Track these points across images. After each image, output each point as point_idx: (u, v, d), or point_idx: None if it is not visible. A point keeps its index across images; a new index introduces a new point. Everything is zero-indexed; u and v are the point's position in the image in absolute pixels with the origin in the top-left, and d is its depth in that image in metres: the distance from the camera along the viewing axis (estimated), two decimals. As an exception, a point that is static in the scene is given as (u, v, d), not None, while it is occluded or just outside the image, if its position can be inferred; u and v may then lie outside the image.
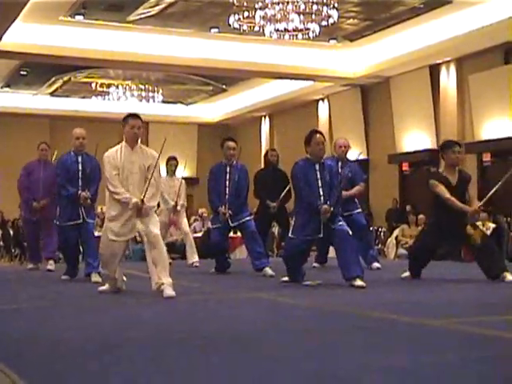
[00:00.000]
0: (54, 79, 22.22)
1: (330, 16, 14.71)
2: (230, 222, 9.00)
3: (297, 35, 15.47)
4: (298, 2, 14.42)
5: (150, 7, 16.19)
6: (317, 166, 7.43)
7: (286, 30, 15.05)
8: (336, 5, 14.60)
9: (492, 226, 13.35)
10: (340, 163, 9.24)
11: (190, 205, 18.36)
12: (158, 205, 9.19)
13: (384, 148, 19.99)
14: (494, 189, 7.79)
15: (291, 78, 20.66)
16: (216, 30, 17.62)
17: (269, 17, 14.69)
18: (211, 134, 25.93)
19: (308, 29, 15.10)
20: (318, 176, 7.39)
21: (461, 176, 7.83)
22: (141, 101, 22.97)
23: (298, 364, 3.49)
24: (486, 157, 17.23)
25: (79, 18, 16.55)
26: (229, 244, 10.49)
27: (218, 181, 9.08)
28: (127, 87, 22.66)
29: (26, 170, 10.40)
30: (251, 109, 24.66)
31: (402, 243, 15.24)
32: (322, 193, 7.34)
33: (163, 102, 24.07)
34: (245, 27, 15.39)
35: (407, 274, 8.08)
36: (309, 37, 15.48)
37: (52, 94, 24.08)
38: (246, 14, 14.91)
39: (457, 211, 7.56)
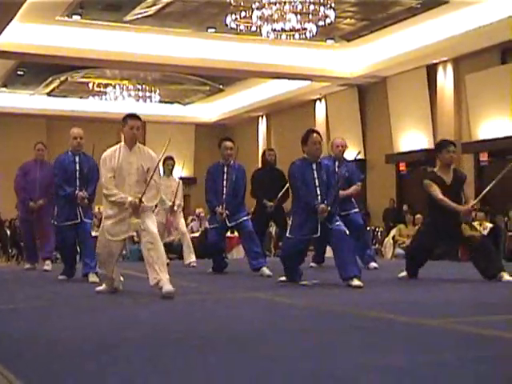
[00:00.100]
0: (50, 79, 22.21)
1: (326, 16, 14.72)
2: (227, 221, 9.01)
3: (294, 35, 15.47)
4: (294, 2, 14.43)
5: (147, 7, 16.19)
6: (314, 166, 7.44)
7: (283, 29, 15.06)
8: (333, 5, 14.61)
9: (489, 225, 13.36)
10: (337, 163, 9.25)
11: (188, 205, 18.41)
12: (156, 205, 9.19)
13: (381, 148, 20.01)
14: (487, 188, 7.81)
15: (288, 78, 20.67)
16: (213, 29, 17.63)
17: (266, 17, 14.70)
18: (208, 133, 25.94)
19: (305, 29, 15.11)
20: (315, 175, 7.40)
21: (456, 175, 7.84)
22: (138, 101, 22.98)
23: (295, 364, 3.49)
24: (483, 157, 17.24)
25: (76, 17, 16.55)
26: (226, 244, 10.49)
27: (216, 181, 9.08)
28: (124, 87, 22.66)
29: (22, 170, 10.40)
30: (248, 109, 24.67)
31: (399, 243, 15.25)
32: (319, 192, 7.34)
33: (160, 101, 24.08)
34: (242, 27, 15.40)
35: (404, 273, 8.09)
36: (306, 37, 15.50)
37: (49, 94, 24.07)
38: (243, 13, 14.91)
39: (450, 211, 7.58)
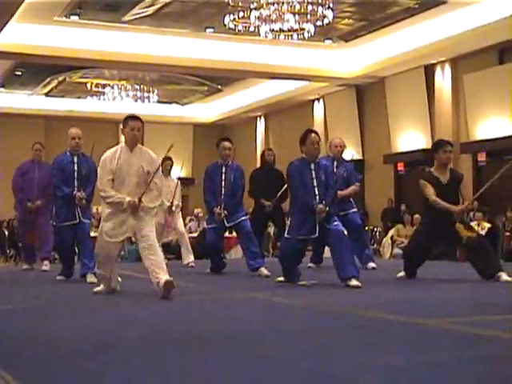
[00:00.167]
0: (49, 79, 22.21)
1: (325, 16, 14.73)
2: (225, 222, 9.01)
3: (292, 35, 15.48)
4: (293, 2, 14.43)
5: (146, 7, 16.18)
6: (312, 166, 7.44)
7: (281, 30, 15.06)
8: (331, 5, 14.62)
9: (487, 225, 13.37)
10: (335, 163, 9.26)
11: (186, 205, 18.37)
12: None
13: (379, 148, 20.02)
14: (482, 189, 7.83)
15: (286, 78, 20.67)
16: (211, 30, 17.63)
17: (264, 17, 14.70)
18: (206, 134, 25.93)
19: (303, 29, 15.11)
20: (314, 175, 7.40)
21: (452, 175, 7.85)
22: (136, 101, 22.98)
23: (294, 364, 3.49)
24: (481, 157, 17.26)
25: (74, 18, 16.54)
26: (224, 244, 10.49)
27: (214, 181, 9.09)
28: (122, 87, 22.66)
29: (19, 171, 10.39)
30: (246, 109, 24.67)
31: (398, 243, 15.27)
32: (317, 192, 7.34)
33: (158, 102, 24.08)
34: (240, 27, 15.40)
35: (402, 273, 8.09)
36: (304, 37, 15.51)
37: (47, 94, 24.07)
38: (241, 14, 14.91)
39: (445, 211, 7.59)
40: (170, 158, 11.12)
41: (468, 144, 17.21)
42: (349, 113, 21.15)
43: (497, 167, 16.53)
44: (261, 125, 25.87)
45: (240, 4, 14.76)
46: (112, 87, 22.71)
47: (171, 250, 13.88)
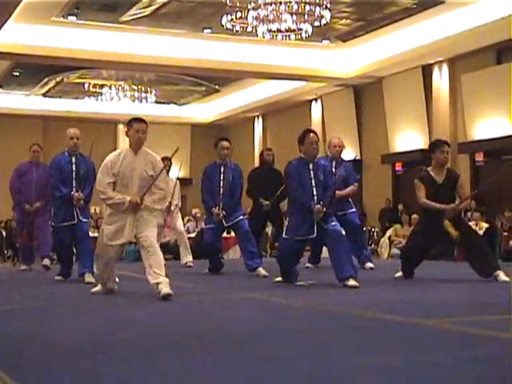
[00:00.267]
0: (46, 80, 22.18)
1: (322, 16, 14.72)
2: (224, 222, 9.01)
3: (289, 35, 15.47)
4: (290, 3, 14.43)
5: (143, 8, 16.17)
6: (310, 166, 7.44)
7: (278, 30, 15.06)
8: (329, 5, 14.61)
9: (485, 225, 13.38)
10: (334, 163, 9.27)
11: (184, 205, 18.36)
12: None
13: (377, 148, 20.03)
14: (475, 191, 7.83)
15: (284, 79, 20.67)
16: (209, 30, 17.62)
17: (261, 17, 14.70)
18: (204, 134, 25.93)
19: (301, 29, 15.10)
20: (312, 175, 7.40)
21: (448, 175, 7.86)
22: (134, 101, 22.97)
23: (291, 364, 3.50)
24: (479, 157, 17.27)
25: (72, 18, 16.52)
26: (222, 244, 10.49)
27: (212, 181, 9.08)
28: (120, 88, 22.65)
29: (17, 172, 10.38)
30: (244, 109, 24.67)
31: (395, 243, 15.27)
32: (315, 193, 7.34)
33: (156, 102, 24.07)
34: (237, 28, 15.39)
35: (400, 273, 8.10)
36: (301, 37, 15.49)
37: (45, 94, 24.04)
38: (238, 14, 14.90)
39: (437, 211, 7.61)
40: (168, 159, 11.11)
41: (466, 144, 17.22)
42: (346, 113, 21.16)
43: (494, 167, 16.65)
44: (258, 125, 25.87)
45: (237, 4, 14.75)
46: (110, 87, 22.69)
47: (169, 250, 13.88)
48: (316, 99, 22.63)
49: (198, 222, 16.72)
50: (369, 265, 9.53)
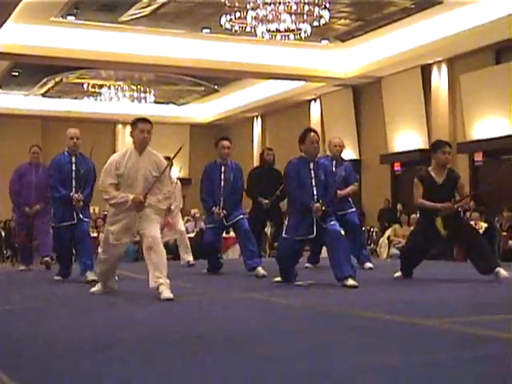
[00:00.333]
0: (45, 80, 22.18)
1: (321, 16, 14.72)
2: (224, 221, 8.99)
3: (288, 35, 15.47)
4: (289, 3, 14.43)
5: (142, 8, 16.17)
6: (311, 165, 7.43)
7: (277, 30, 15.06)
8: (327, 5, 14.61)
9: (484, 225, 13.38)
10: (334, 162, 9.27)
11: (183, 205, 18.35)
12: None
13: (376, 148, 20.02)
14: (469, 195, 7.83)
15: (283, 79, 20.66)
16: (208, 30, 17.62)
17: (260, 17, 14.70)
18: (203, 134, 25.92)
19: (300, 29, 15.11)
20: (312, 175, 7.39)
21: (449, 175, 7.86)
22: (133, 101, 22.97)
23: (291, 364, 3.50)
24: (478, 156, 17.27)
25: (71, 18, 16.51)
26: (221, 244, 10.48)
27: (212, 180, 9.06)
28: (119, 88, 22.64)
29: (17, 174, 10.32)
30: (243, 109, 24.66)
31: (394, 243, 15.26)
32: (315, 192, 7.33)
33: (155, 102, 24.05)
34: (236, 28, 15.38)
35: (399, 273, 8.10)
36: (300, 37, 15.49)
37: (44, 94, 24.03)
38: (237, 14, 14.90)
39: (433, 211, 7.63)
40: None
41: (465, 144, 17.22)
42: (345, 113, 21.16)
43: (493, 167, 16.64)
44: (257, 125, 25.87)
45: (236, 4, 14.75)
46: (109, 88, 22.69)
47: (168, 251, 13.82)
48: (315, 99, 22.63)
49: (197, 222, 16.73)
50: (368, 265, 9.53)
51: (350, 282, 7.02)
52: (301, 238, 7.39)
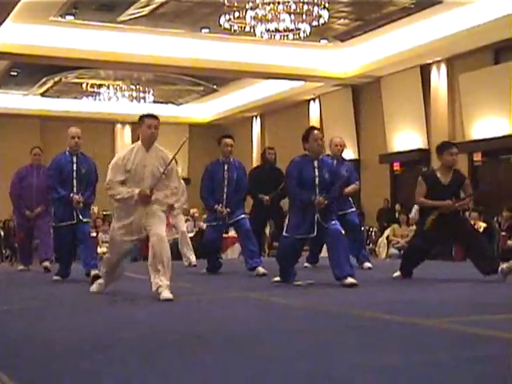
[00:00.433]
0: (44, 80, 22.18)
1: (320, 16, 14.74)
2: (227, 218, 8.96)
3: (287, 35, 15.48)
4: (288, 2, 14.43)
5: (141, 7, 16.17)
6: (315, 163, 7.38)
7: (276, 30, 15.06)
8: (327, 5, 14.62)
9: (483, 225, 13.38)
10: (335, 162, 9.26)
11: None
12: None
13: (375, 148, 20.03)
14: (477, 191, 7.82)
15: (282, 78, 20.67)
16: (207, 30, 17.62)
17: (259, 17, 14.70)
18: (202, 134, 25.91)
19: (299, 29, 15.12)
20: (316, 173, 7.33)
21: (455, 176, 7.85)
22: (132, 101, 22.96)
23: (291, 364, 3.49)
24: (477, 156, 17.28)
25: (70, 18, 16.51)
26: (222, 243, 10.47)
27: (215, 179, 9.01)
28: (118, 87, 22.64)
29: (18, 176, 10.25)
30: (242, 109, 24.67)
31: (393, 243, 15.26)
32: (317, 191, 7.28)
33: (154, 102, 24.04)
34: (235, 27, 15.40)
35: (398, 273, 8.10)
36: (299, 37, 15.51)
37: (43, 94, 24.03)
38: (236, 14, 14.91)
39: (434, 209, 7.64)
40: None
41: (464, 144, 17.18)
42: (345, 113, 21.16)
43: (492, 167, 16.65)
44: (256, 125, 25.87)
45: (235, 4, 14.75)
46: (108, 87, 22.69)
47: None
48: (314, 99, 22.63)
49: (196, 222, 16.72)
50: (367, 264, 9.53)
51: (350, 280, 7.01)
52: (301, 237, 7.39)
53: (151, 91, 22.97)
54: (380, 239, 16.36)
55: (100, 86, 22.73)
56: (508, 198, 15.20)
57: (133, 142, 6.82)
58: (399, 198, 19.18)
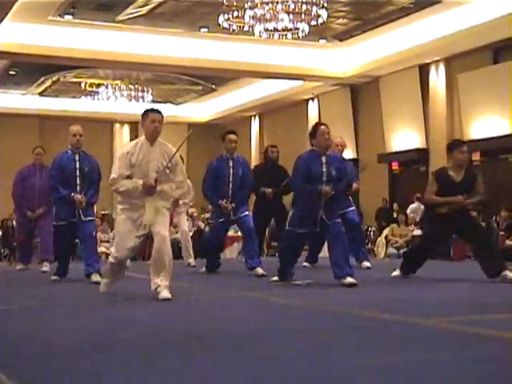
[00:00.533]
0: (43, 79, 22.17)
1: (319, 16, 14.73)
2: (232, 214, 8.92)
3: (286, 35, 15.48)
4: (287, 2, 14.43)
5: (140, 7, 16.17)
6: (323, 159, 7.35)
7: (275, 29, 15.06)
8: (325, 4, 14.62)
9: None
10: None
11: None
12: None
13: (373, 147, 20.03)
14: (479, 197, 7.80)
15: (281, 78, 20.67)
16: (205, 29, 17.62)
17: (258, 16, 14.70)
18: (201, 133, 25.87)
19: (297, 28, 15.12)
20: (324, 169, 7.30)
21: (467, 175, 7.81)
22: (130, 100, 22.95)
23: (291, 364, 3.49)
24: (476, 156, 17.25)
25: (68, 17, 16.51)
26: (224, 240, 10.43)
27: (219, 176, 8.92)
28: (117, 87, 22.63)
29: (20, 175, 10.19)
30: (241, 108, 24.67)
31: (392, 242, 15.28)
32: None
33: (153, 101, 23.99)
34: (234, 27, 15.39)
35: (396, 273, 8.10)
36: (298, 36, 15.51)
37: (41, 93, 24.02)
38: (235, 13, 14.90)
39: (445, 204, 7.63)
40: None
41: (462, 143, 17.22)
42: (343, 112, 21.16)
43: (491, 167, 16.65)
44: (255, 124, 25.87)
45: (234, 3, 14.75)
46: (106, 87, 22.68)
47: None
48: (313, 98, 22.62)
49: (195, 222, 16.71)
50: (366, 264, 9.54)
51: (349, 279, 7.02)
52: (304, 232, 7.37)
53: (150, 91, 22.96)
54: (378, 239, 16.38)
55: (98, 85, 22.72)
56: (506, 197, 15.20)
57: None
58: (398, 198, 19.19)
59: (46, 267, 9.88)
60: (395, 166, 19.87)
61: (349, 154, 19.89)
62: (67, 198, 8.12)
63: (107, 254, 14.83)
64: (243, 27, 15.21)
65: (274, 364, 3.49)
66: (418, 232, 15.16)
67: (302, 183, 7.32)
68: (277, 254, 12.39)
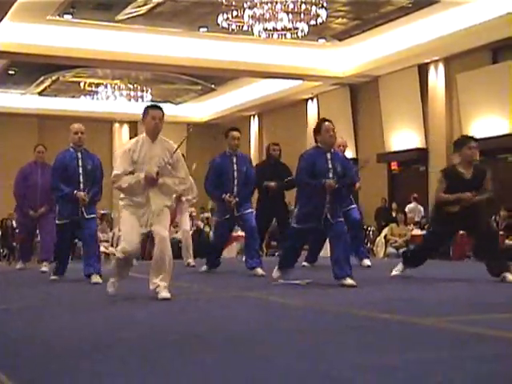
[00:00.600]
0: (42, 78, 22.17)
1: (318, 15, 14.74)
2: (235, 211, 8.89)
3: (285, 34, 15.49)
4: (286, 2, 14.44)
5: (139, 6, 16.18)
6: (328, 155, 7.32)
7: (274, 29, 15.07)
8: (325, 4, 14.63)
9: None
10: None
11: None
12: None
13: (373, 147, 20.03)
14: (484, 196, 7.79)
15: (280, 78, 20.67)
16: (205, 29, 17.63)
17: (257, 16, 14.71)
18: (200, 133, 25.87)
19: (297, 28, 15.12)
20: (329, 166, 7.28)
21: (476, 171, 7.78)
22: (129, 100, 22.95)
23: (291, 364, 3.50)
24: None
25: (67, 17, 16.52)
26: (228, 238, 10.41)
27: (222, 173, 8.87)
28: (116, 86, 22.63)
29: (22, 174, 10.15)
30: (240, 108, 24.67)
31: (391, 242, 15.28)
32: None
33: (152, 101, 23.94)
34: (233, 26, 15.40)
35: (396, 272, 8.10)
36: (297, 36, 15.52)
37: (40, 93, 24.02)
38: (234, 13, 14.91)
39: (455, 202, 7.62)
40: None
41: (462, 143, 17.22)
42: (342, 112, 21.15)
43: (491, 166, 16.60)
44: (254, 124, 25.87)
45: (233, 3, 14.75)
46: (105, 86, 22.68)
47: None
48: (312, 98, 22.63)
49: (194, 221, 16.68)
50: (366, 262, 9.56)
51: (348, 281, 7.02)
52: (309, 227, 7.37)
53: (149, 90, 22.96)
54: (378, 238, 16.37)
55: (98, 84, 22.72)
56: (506, 197, 15.20)
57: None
58: (397, 198, 19.19)
59: (45, 267, 9.83)
60: (394, 165, 19.88)
61: (348, 153, 19.87)
62: (70, 195, 8.08)
63: (107, 254, 14.85)
64: (242, 27, 15.22)
65: (273, 364, 3.50)
66: (417, 231, 15.19)
67: (306, 178, 7.30)
68: (276, 254, 12.39)
